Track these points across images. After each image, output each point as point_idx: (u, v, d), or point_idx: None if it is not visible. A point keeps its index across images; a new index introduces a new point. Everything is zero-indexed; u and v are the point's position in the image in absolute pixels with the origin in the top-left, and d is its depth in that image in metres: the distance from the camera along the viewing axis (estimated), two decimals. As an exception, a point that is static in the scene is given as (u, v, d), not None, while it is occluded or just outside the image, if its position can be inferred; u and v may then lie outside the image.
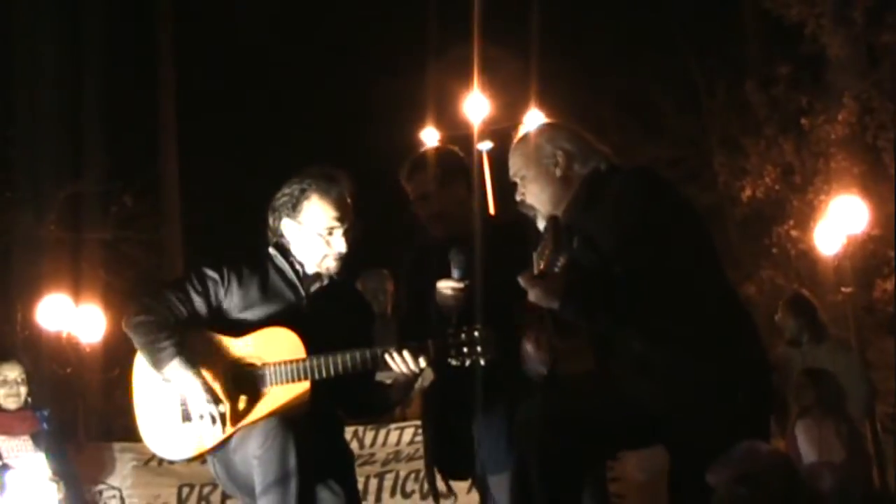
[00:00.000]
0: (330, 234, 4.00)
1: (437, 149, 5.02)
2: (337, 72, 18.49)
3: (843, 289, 9.62)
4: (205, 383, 3.88)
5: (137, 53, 17.18)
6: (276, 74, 18.33)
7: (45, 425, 6.67)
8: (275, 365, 3.91)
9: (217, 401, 3.87)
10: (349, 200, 4.05)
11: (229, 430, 3.89)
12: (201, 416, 3.87)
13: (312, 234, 4.01)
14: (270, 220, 4.09)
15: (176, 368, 3.87)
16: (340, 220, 4.01)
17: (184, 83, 17.38)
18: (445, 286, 4.08)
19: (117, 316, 11.11)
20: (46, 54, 15.13)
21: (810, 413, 6.77)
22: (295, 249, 4.07)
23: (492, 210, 7.91)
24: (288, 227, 4.05)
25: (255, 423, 3.86)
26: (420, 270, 4.39)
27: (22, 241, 14.61)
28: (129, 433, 6.99)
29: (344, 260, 4.05)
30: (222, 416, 3.87)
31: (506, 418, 3.91)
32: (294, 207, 4.02)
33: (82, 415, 11.21)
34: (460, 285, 4.06)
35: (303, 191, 4.02)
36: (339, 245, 4.01)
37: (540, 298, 3.56)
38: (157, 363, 3.90)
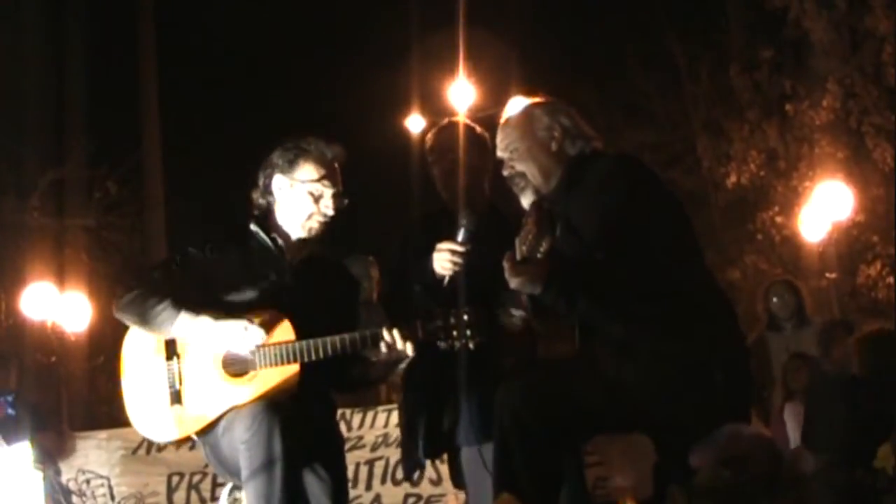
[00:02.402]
0: (320, 192, 4.04)
1: None
2: (321, 60, 18.44)
3: (827, 274, 9.66)
4: (223, 321, 3.87)
5: (119, 39, 17.10)
6: (259, 62, 18.26)
7: (10, 411, 6.62)
8: (264, 347, 3.91)
9: (241, 320, 3.87)
10: (339, 169, 4.10)
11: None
12: (244, 328, 3.86)
13: (303, 192, 4.04)
14: (261, 180, 4.12)
15: (184, 322, 3.88)
16: (332, 180, 4.06)
17: (166, 68, 17.31)
18: (446, 247, 4.06)
19: (102, 303, 11.15)
20: (28, 40, 15.04)
21: (798, 397, 6.78)
22: (280, 211, 4.09)
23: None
24: (279, 184, 4.08)
25: (243, 406, 3.86)
26: (428, 233, 4.35)
27: (4, 227, 14.54)
28: (114, 421, 7.00)
29: (327, 225, 4.08)
30: (256, 328, 3.87)
31: (491, 388, 3.90)
32: (290, 163, 4.06)
33: (66, 403, 11.19)
34: (461, 249, 4.05)
35: (301, 148, 4.08)
36: (327, 206, 4.05)
37: (522, 284, 3.57)
38: (161, 326, 3.92)
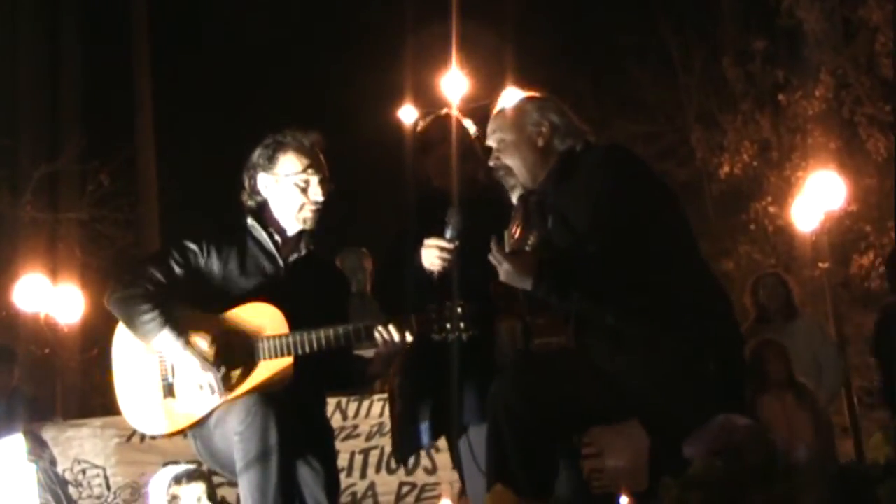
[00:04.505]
0: (306, 182, 4.04)
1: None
2: (314, 50, 18.41)
3: (819, 264, 9.64)
4: (196, 351, 3.89)
5: (113, 31, 17.06)
6: (252, 52, 18.23)
7: None
8: (258, 340, 3.91)
9: (210, 367, 3.88)
10: (321, 155, 4.10)
11: (218, 400, 3.89)
12: (200, 386, 3.87)
13: (289, 185, 4.05)
14: (246, 181, 4.13)
15: (165, 339, 3.88)
16: (316, 167, 4.06)
17: (159, 61, 17.28)
18: (433, 244, 4.07)
19: (95, 296, 11.13)
20: (21, 32, 15.01)
21: (771, 389, 6.65)
22: (273, 206, 4.09)
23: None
24: (264, 183, 4.08)
25: (236, 398, 3.87)
26: (420, 222, 4.35)
27: (-3, 221, 14.52)
28: (108, 412, 6.98)
29: (320, 212, 4.08)
30: (217, 382, 3.87)
31: (485, 374, 3.90)
32: (270, 160, 4.07)
33: (60, 395, 11.17)
34: (449, 246, 4.06)
35: (278, 143, 4.08)
36: (316, 194, 4.05)
37: (510, 276, 3.57)
38: (145, 335, 3.91)
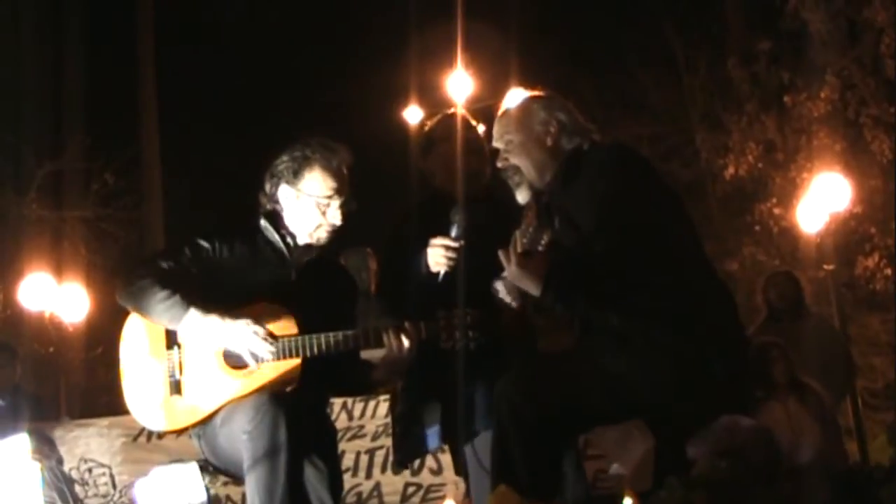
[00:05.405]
0: (327, 204, 4.00)
1: None
2: (318, 50, 18.41)
3: (824, 266, 9.64)
4: (231, 322, 3.85)
5: (117, 30, 17.09)
6: (258, 52, 18.24)
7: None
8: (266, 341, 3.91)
9: (261, 328, 3.86)
10: (347, 174, 4.05)
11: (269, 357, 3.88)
12: (254, 353, 3.85)
13: (310, 204, 4.01)
14: (267, 186, 4.08)
15: (194, 317, 3.86)
16: (339, 191, 4.01)
17: (164, 59, 17.30)
18: (440, 243, 4.07)
19: (100, 294, 11.16)
20: (26, 31, 15.04)
21: (774, 392, 6.59)
22: (288, 218, 4.06)
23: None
24: (285, 194, 4.04)
25: (243, 398, 3.86)
26: (422, 223, 4.35)
27: (2, 220, 14.54)
28: (112, 411, 7.00)
29: (336, 233, 4.06)
30: (273, 340, 3.87)
31: (490, 379, 3.91)
32: (295, 174, 4.01)
33: (65, 394, 11.20)
34: (455, 245, 4.06)
35: (306, 158, 4.01)
36: (335, 217, 4.02)
37: (520, 278, 3.57)
38: (170, 320, 3.89)
